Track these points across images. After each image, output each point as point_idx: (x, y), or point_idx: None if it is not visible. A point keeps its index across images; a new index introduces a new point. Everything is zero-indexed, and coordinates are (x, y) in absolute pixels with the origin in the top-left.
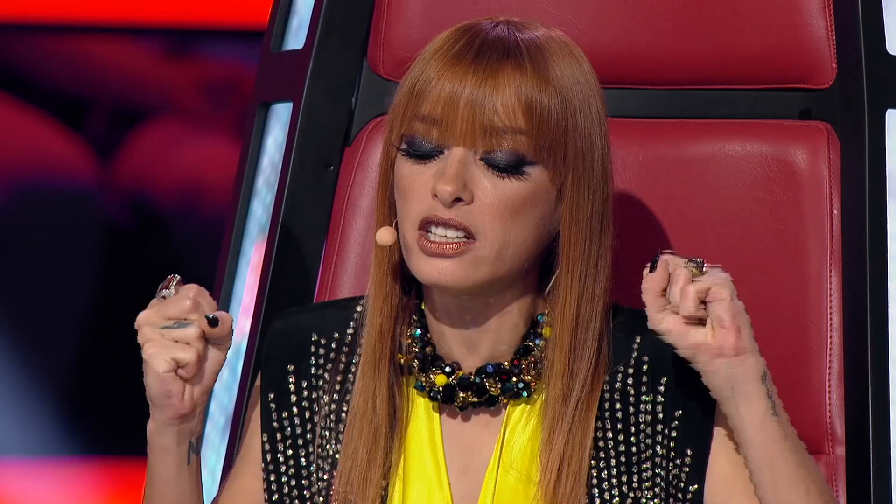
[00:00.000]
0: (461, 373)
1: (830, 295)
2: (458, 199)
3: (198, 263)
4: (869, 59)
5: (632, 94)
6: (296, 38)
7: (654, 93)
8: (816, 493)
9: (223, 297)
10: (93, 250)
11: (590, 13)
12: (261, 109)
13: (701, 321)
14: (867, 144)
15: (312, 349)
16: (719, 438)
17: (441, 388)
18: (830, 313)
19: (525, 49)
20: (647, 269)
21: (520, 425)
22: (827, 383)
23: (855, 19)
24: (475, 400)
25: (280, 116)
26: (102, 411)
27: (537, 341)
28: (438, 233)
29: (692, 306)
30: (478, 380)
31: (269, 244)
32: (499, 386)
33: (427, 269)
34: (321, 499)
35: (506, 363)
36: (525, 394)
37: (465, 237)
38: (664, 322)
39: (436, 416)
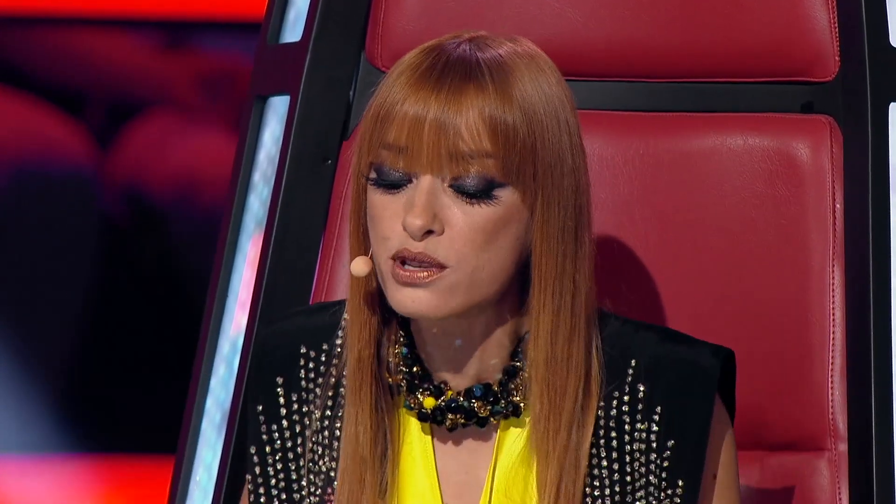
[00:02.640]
0: (450, 393)
1: (833, 290)
2: (428, 232)
3: (194, 258)
4: (872, 51)
5: (631, 87)
6: (293, 30)
7: (655, 86)
8: None
9: (219, 292)
10: (88, 245)
11: (589, 5)
12: (257, 102)
13: None
14: (870, 138)
15: (301, 362)
16: (709, 472)
17: (430, 410)
18: (833, 308)
19: (487, 69)
20: None
21: (513, 448)
22: (829, 379)
23: (858, 12)
24: (464, 422)
25: (277, 109)
26: (98, 407)
27: (526, 361)
28: (412, 265)
29: None
30: (466, 403)
31: (265, 239)
32: (488, 408)
33: (401, 298)
34: None
35: (494, 384)
36: (515, 415)
37: (435, 268)
38: None
39: (427, 437)
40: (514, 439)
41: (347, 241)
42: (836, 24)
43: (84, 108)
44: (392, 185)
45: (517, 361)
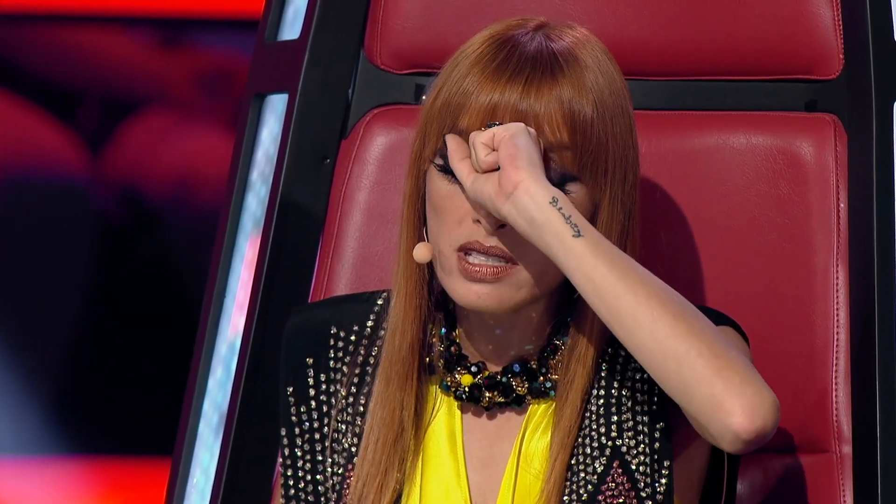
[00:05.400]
0: (487, 372)
1: (837, 290)
2: (500, 225)
3: (191, 258)
4: (876, 49)
5: (633, 85)
6: (291, 27)
7: (657, 84)
8: (656, 301)
9: (217, 293)
10: (83, 245)
11: (591, 3)
12: (255, 101)
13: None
14: (875, 136)
15: (331, 342)
16: None
17: (467, 388)
18: (837, 309)
19: (563, 61)
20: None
21: (542, 423)
22: (833, 380)
23: (862, 8)
24: (501, 400)
25: (275, 108)
26: (93, 409)
27: (565, 338)
28: (480, 259)
29: (481, 155)
30: (504, 379)
31: (263, 239)
32: (525, 385)
33: (465, 293)
34: (334, 494)
35: (532, 363)
36: (552, 393)
37: (505, 263)
38: (476, 186)
39: (458, 412)
40: (545, 415)
41: (346, 241)
42: (840, 22)
43: (79, 107)
44: None
45: (557, 340)
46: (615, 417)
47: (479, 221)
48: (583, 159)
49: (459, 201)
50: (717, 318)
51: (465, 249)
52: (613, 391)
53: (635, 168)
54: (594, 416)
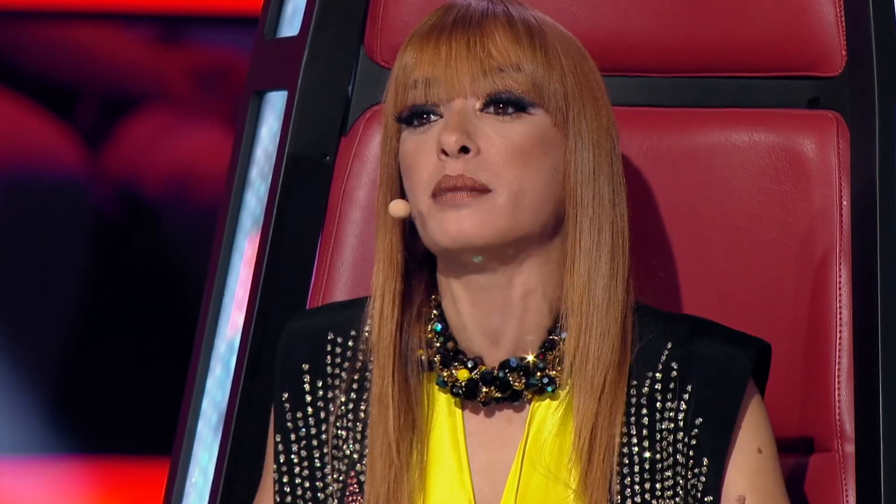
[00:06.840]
0: (484, 367)
1: (840, 288)
2: (464, 151)
3: (190, 257)
4: (879, 46)
5: (635, 82)
6: (290, 24)
7: (658, 81)
8: None
9: (216, 291)
10: (81, 243)
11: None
12: (254, 98)
13: None
14: (877, 134)
15: (329, 348)
16: (737, 453)
17: (463, 384)
18: (839, 307)
19: (508, 3)
20: None
21: (546, 421)
22: (836, 379)
23: (865, 5)
24: (499, 395)
25: (274, 105)
26: (94, 408)
27: (563, 334)
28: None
29: None
30: (501, 374)
31: (263, 237)
32: (523, 381)
33: (446, 224)
34: (335, 501)
35: (530, 357)
36: (550, 389)
37: (478, 192)
38: None
39: (458, 412)
40: (546, 415)
41: (346, 238)
42: (843, 19)
43: (77, 104)
44: (423, 120)
45: (556, 335)
46: (658, 476)
47: (443, 152)
48: (536, 82)
49: (427, 151)
50: (751, 341)
51: (438, 192)
52: (651, 436)
53: (609, 115)
54: (638, 475)
